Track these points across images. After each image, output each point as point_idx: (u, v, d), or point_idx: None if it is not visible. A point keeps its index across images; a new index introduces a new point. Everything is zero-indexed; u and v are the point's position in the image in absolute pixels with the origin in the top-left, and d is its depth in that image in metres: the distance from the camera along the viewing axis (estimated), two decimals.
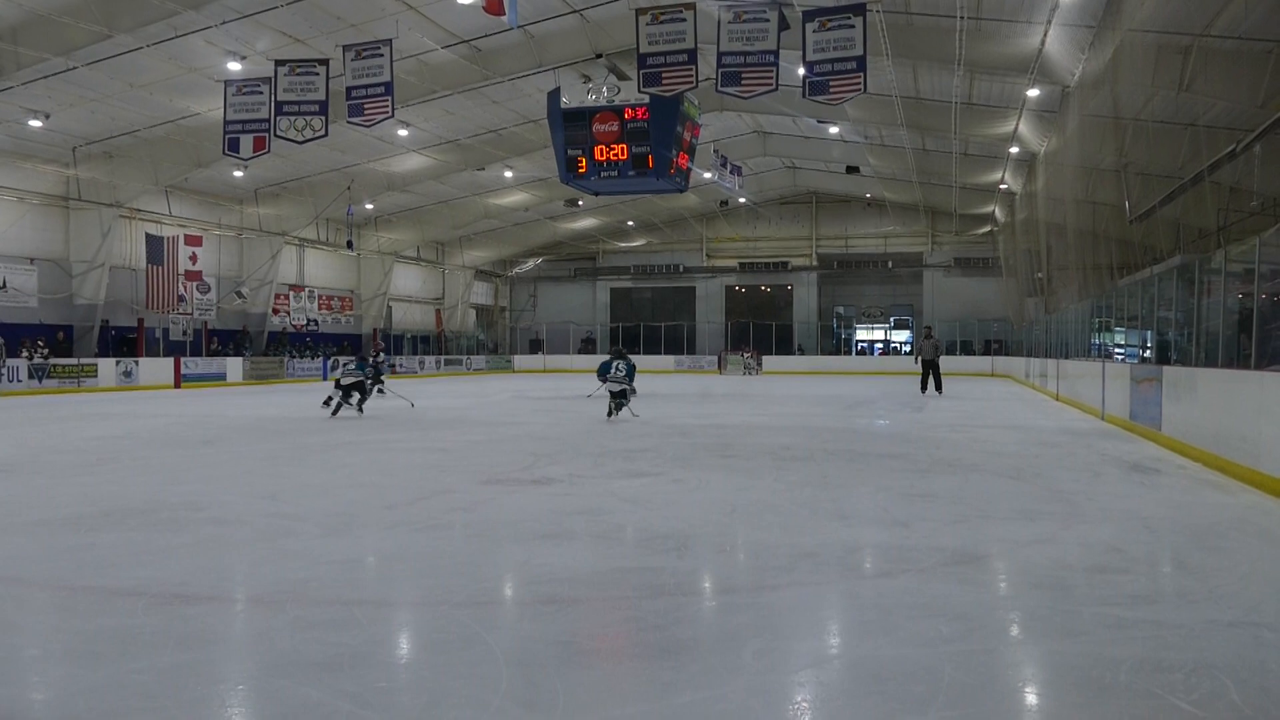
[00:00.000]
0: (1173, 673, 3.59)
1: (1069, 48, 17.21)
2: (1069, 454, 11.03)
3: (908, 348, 45.89)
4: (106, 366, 26.66)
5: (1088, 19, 15.85)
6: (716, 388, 28.91)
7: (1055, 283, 25.62)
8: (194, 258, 30.76)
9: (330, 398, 16.67)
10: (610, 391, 15.70)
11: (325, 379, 34.76)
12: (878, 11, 17.01)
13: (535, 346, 51.23)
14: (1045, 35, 17.31)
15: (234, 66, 19.77)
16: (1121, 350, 17.70)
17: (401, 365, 40.35)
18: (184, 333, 31.16)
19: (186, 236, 30.71)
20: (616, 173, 20.05)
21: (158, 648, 3.89)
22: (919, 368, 25.36)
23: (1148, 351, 15.17)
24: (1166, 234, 16.60)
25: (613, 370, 15.65)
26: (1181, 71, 13.67)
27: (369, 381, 16.94)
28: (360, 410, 16.70)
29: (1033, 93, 20.33)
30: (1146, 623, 4.23)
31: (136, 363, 27.87)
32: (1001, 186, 32.33)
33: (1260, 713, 3.25)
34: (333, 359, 22.71)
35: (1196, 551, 5.83)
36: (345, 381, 16.57)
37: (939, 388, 24.27)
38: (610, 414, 15.61)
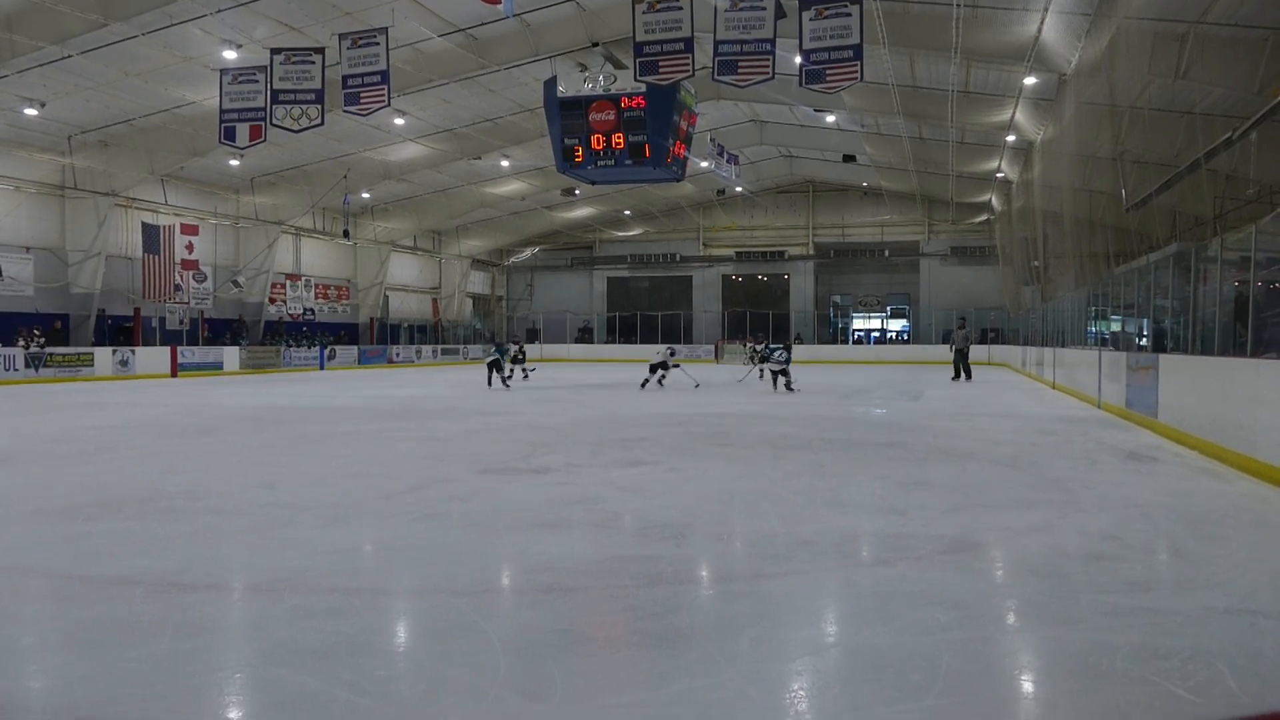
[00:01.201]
0: (1169, 659, 3.60)
1: (1065, 35, 17.16)
2: (1066, 442, 11.05)
3: (905, 336, 45.94)
4: (103, 355, 26.64)
5: (1084, 6, 15.81)
6: (717, 377, 28.92)
7: (1051, 271, 25.62)
8: (190, 247, 30.73)
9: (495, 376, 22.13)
10: (772, 371, 20.80)
11: (322, 369, 34.78)
12: None
13: (532, 336, 51.20)
14: (1042, 23, 17.26)
15: (230, 55, 19.70)
16: (1110, 339, 17.72)
17: (398, 354, 40.34)
18: (180, 322, 31.12)
19: (183, 225, 30.66)
20: (613, 162, 20.02)
21: (155, 636, 3.89)
22: (952, 356, 26.39)
23: (1144, 339, 15.19)
24: (1163, 222, 16.59)
25: (776, 353, 21.01)
26: (1178, 59, 13.65)
27: (505, 361, 22.53)
28: (506, 385, 21.91)
29: (1029, 81, 20.28)
30: (1143, 610, 4.25)
31: (133, 352, 27.84)
32: (998, 175, 32.29)
33: (1256, 699, 3.26)
34: (503, 345, 25.66)
35: (1193, 539, 5.84)
36: (488, 360, 22.45)
37: (968, 375, 25.13)
38: (775, 387, 20.43)
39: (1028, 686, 3.50)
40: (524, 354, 26.13)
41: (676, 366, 22.39)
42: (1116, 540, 5.68)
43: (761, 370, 23.48)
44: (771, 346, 22.31)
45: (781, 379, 20.35)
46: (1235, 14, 12.39)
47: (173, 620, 4.12)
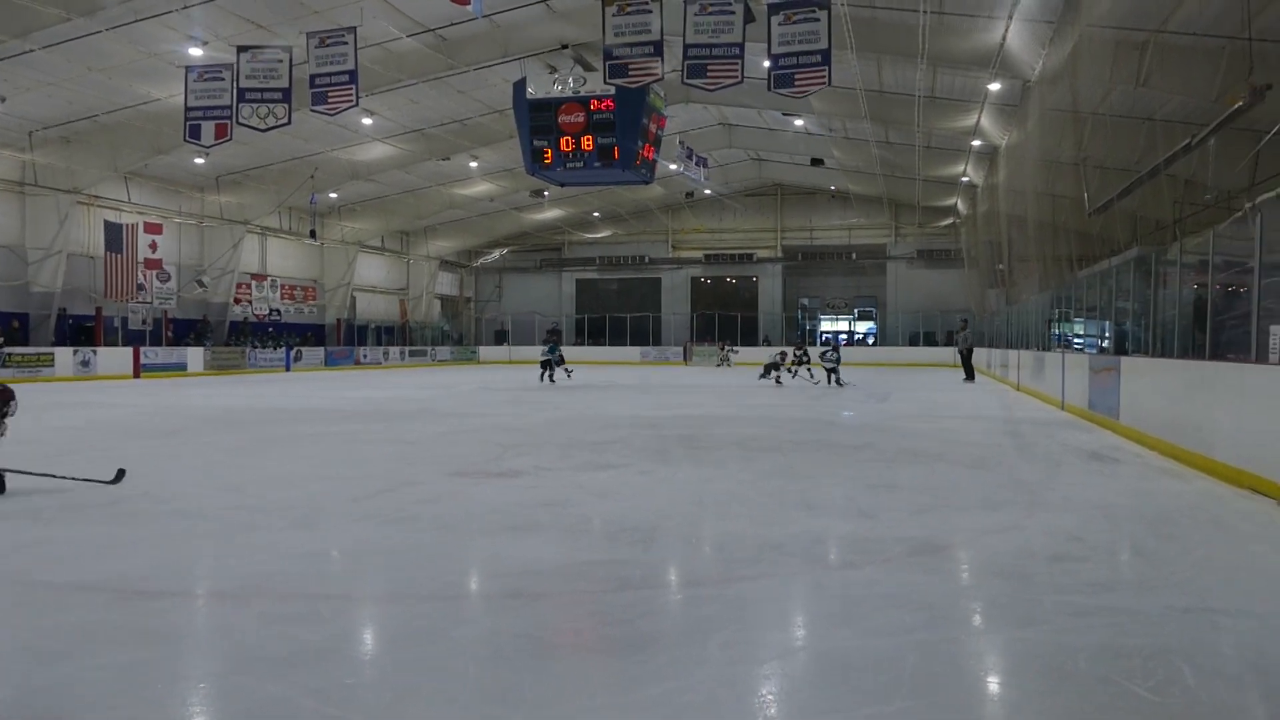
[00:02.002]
0: (1131, 659, 3.66)
1: (1029, 42, 17.37)
2: (1030, 443, 11.19)
3: (872, 339, 46.26)
4: (64, 356, 26.26)
5: (1048, 14, 16.01)
6: (685, 378, 29.00)
7: (1016, 274, 25.94)
8: (154, 246, 30.35)
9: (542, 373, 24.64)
10: (826, 369, 23.63)
11: (288, 370, 34.49)
12: (842, 5, 17.09)
13: (501, 337, 51.05)
14: (1006, 30, 17.46)
15: (195, 52, 19.50)
16: (1080, 340, 17.96)
17: (365, 356, 40.08)
18: (143, 322, 30.74)
19: (146, 224, 30.29)
20: (582, 164, 20.02)
21: (117, 644, 3.85)
22: (958, 359, 27.52)
23: (1106, 342, 15.40)
24: (1124, 226, 16.83)
25: (827, 354, 23.85)
26: (1139, 67, 13.86)
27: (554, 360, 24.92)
28: (552, 380, 24.46)
29: (994, 87, 20.52)
30: (1105, 610, 4.31)
31: (94, 352, 27.48)
32: (964, 179, 32.62)
33: (1215, 698, 3.32)
34: (556, 344, 26.94)
35: (1153, 539, 5.93)
36: (543, 358, 24.81)
37: (969, 376, 26.03)
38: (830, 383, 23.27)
39: (993, 688, 3.55)
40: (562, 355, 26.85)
41: (803, 363, 25.11)
42: (1080, 541, 5.76)
43: (794, 371, 25.04)
44: (822, 349, 25.47)
45: (833, 375, 23.44)
46: (1194, 23, 12.59)
47: (136, 628, 4.07)
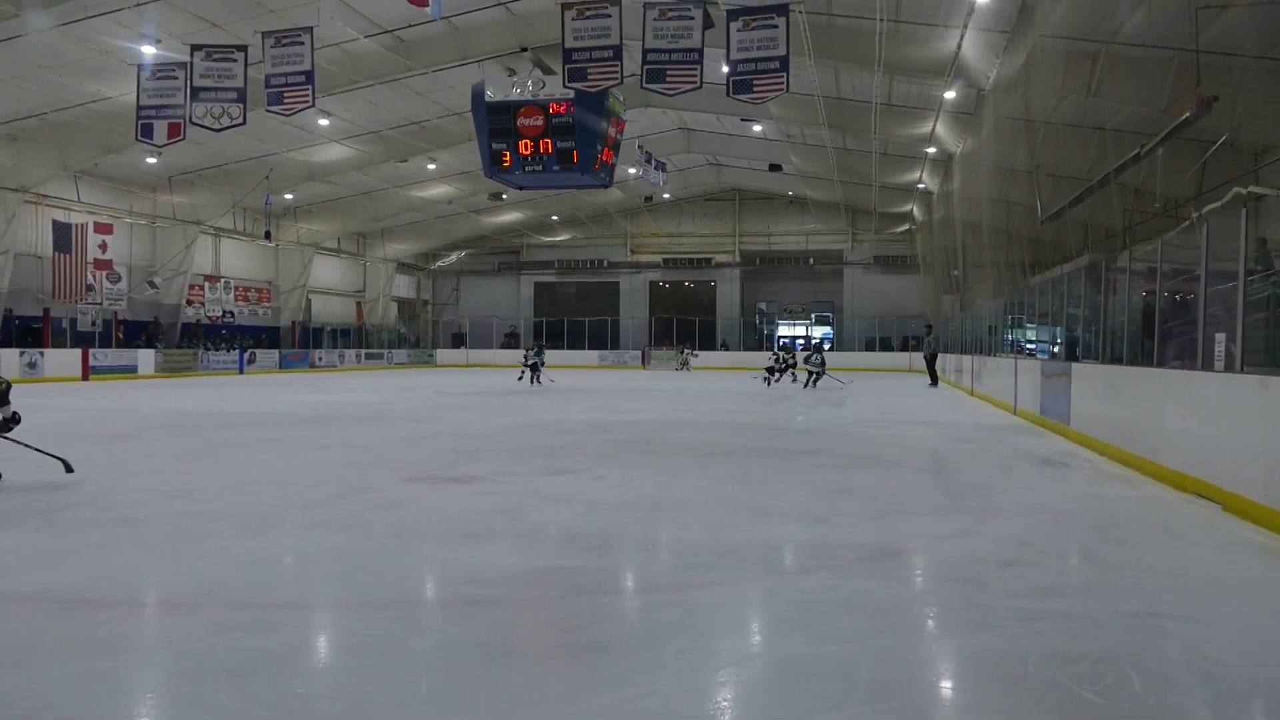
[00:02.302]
0: (1079, 663, 3.71)
1: (984, 52, 17.62)
2: (983, 449, 11.32)
3: (828, 344, 46.60)
4: (9, 357, 25.66)
5: (1002, 24, 16.25)
6: (643, 383, 29.02)
7: (970, 280, 26.26)
8: (104, 246, 29.80)
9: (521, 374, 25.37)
10: (811, 373, 25.25)
11: (242, 373, 34.03)
12: (800, 12, 17.22)
13: (458, 341, 50.74)
14: (961, 39, 17.70)
15: (148, 50, 19.15)
16: (1033, 346, 18.21)
17: (321, 359, 39.67)
18: (93, 323, 30.16)
19: (96, 224, 29.74)
20: (541, 167, 19.96)
21: (61, 656, 3.76)
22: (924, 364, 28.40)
23: (1057, 348, 15.63)
24: (1076, 234, 17.12)
25: (812, 359, 25.57)
26: (1090, 77, 14.10)
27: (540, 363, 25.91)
28: (538, 381, 25.18)
29: (949, 95, 20.77)
30: (1055, 614, 4.37)
31: (41, 354, 26.92)
32: (919, 186, 32.99)
33: (1161, 701, 3.38)
34: (541, 348, 27.42)
35: (1102, 544, 6.03)
36: (529, 362, 25.34)
37: (933, 381, 26.81)
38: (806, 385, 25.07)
39: (946, 693, 3.58)
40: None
41: (790, 368, 27.43)
42: (1030, 546, 5.84)
43: (795, 375, 27.41)
44: (808, 353, 27.20)
45: (815, 378, 25.32)
46: (1144, 35, 12.84)
47: (81, 638, 3.99)
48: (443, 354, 49.32)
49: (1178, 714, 3.32)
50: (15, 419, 7.79)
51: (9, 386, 7.72)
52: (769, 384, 25.74)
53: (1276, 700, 3.51)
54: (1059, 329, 15.51)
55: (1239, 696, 3.54)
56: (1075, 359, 13.22)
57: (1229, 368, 7.41)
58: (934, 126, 24.32)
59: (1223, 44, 10.64)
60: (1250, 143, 11.70)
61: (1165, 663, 3.80)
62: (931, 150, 26.80)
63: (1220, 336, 7.63)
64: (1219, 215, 7.96)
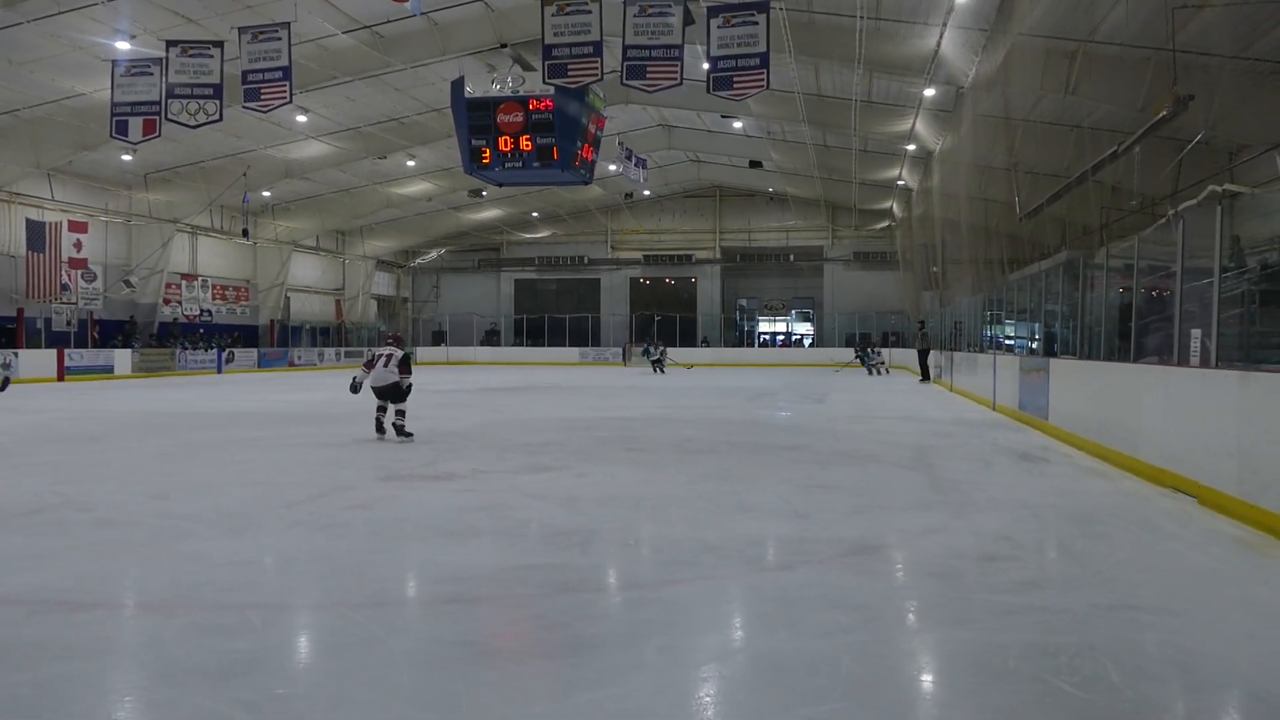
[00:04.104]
0: (1058, 656, 3.74)
1: (963, 50, 17.70)
2: (962, 444, 11.38)
3: (809, 340, 46.73)
4: None
5: (981, 22, 16.33)
6: (624, 379, 29.01)
7: (949, 277, 26.41)
8: (78, 245, 29.50)
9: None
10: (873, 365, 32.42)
11: (220, 372, 33.79)
12: (780, 9, 17.25)
13: (438, 338, 50.56)
14: (941, 37, 17.77)
15: (123, 46, 18.99)
16: (1012, 342, 18.33)
17: (300, 358, 39.45)
18: (68, 323, 29.84)
19: (70, 222, 29.43)
20: (521, 164, 19.92)
21: (39, 659, 3.73)
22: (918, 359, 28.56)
23: (1036, 343, 15.74)
24: (1053, 231, 17.24)
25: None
26: (1068, 75, 14.21)
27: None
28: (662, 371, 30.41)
29: (929, 92, 20.86)
30: (1034, 608, 4.40)
31: (15, 354, 26.59)
32: (899, 182, 33.12)
33: (1138, 693, 3.41)
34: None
35: (1080, 538, 6.07)
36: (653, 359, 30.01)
37: (925, 376, 26.99)
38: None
39: (926, 687, 3.60)
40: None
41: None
42: (1009, 540, 5.88)
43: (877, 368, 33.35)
44: (875, 349, 34.99)
45: (877, 369, 32.80)
46: (1121, 34, 12.94)
47: (59, 641, 3.95)
48: (423, 351, 49.11)
49: (1154, 705, 3.35)
50: None
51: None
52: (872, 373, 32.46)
53: (1250, 691, 3.55)
54: (1037, 325, 15.61)
55: (1214, 687, 3.58)
56: (1053, 355, 13.31)
57: (1204, 363, 7.48)
58: (914, 124, 24.42)
59: (1199, 43, 10.74)
60: (1225, 141, 11.82)
61: (1142, 655, 3.83)
62: (911, 147, 26.91)
63: (1196, 332, 7.70)
64: (1194, 212, 8.03)
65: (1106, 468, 9.21)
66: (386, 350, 11.29)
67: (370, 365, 11.21)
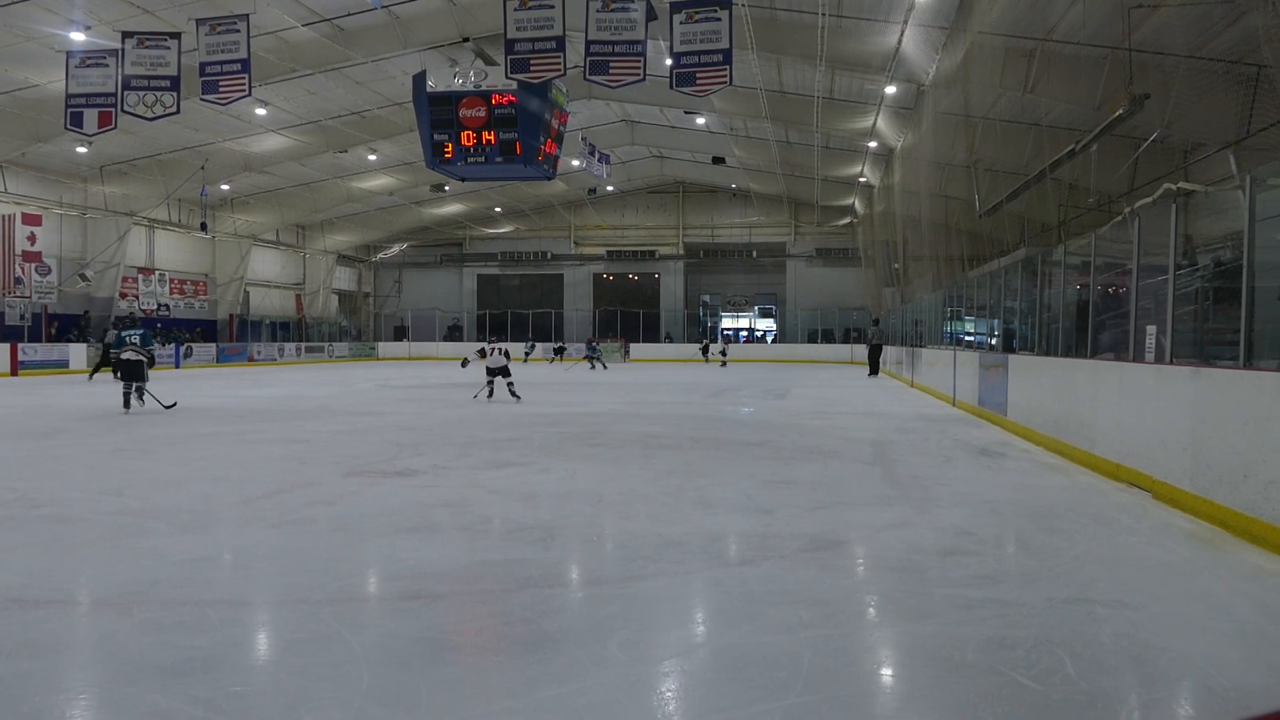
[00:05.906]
0: (1015, 650, 3.79)
1: (924, 48, 17.84)
2: (923, 440, 11.49)
3: (771, 337, 46.94)
4: None
5: (941, 20, 16.47)
6: (588, 375, 28.97)
7: (911, 273, 26.62)
8: (32, 238, 28.94)
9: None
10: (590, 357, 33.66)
11: (178, 367, 33.31)
12: (743, 5, 17.29)
13: (400, 333, 50.22)
14: (902, 35, 17.89)
15: (78, 37, 18.63)
16: (971, 337, 18.52)
17: (260, 353, 39.01)
18: (21, 317, 29.28)
19: (24, 215, 28.85)
20: (484, 158, 19.84)
21: None
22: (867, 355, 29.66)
23: (995, 340, 15.91)
24: (1012, 228, 17.42)
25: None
26: (1026, 74, 14.36)
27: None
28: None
29: (890, 90, 21.01)
30: (992, 602, 4.45)
31: None
32: (861, 179, 33.34)
33: (1094, 685, 3.46)
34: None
35: (1038, 533, 6.15)
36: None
37: (874, 371, 28.27)
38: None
39: (885, 681, 3.63)
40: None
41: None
42: (969, 535, 5.94)
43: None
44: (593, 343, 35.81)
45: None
46: (1078, 34, 13.11)
47: (12, 639, 3.88)
48: (385, 347, 48.79)
49: (1109, 697, 3.40)
50: None
51: None
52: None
53: (1203, 682, 3.61)
54: (996, 321, 15.78)
55: (1168, 680, 3.64)
56: (1012, 351, 13.47)
57: (1159, 359, 7.60)
58: (875, 121, 24.58)
59: (1154, 43, 10.90)
60: (1180, 140, 12.00)
61: (1098, 648, 3.88)
62: (873, 144, 27.08)
63: (1151, 329, 7.83)
64: (1150, 210, 8.16)
65: (1064, 463, 9.34)
66: (498, 345, 17.12)
67: (484, 354, 17.04)
